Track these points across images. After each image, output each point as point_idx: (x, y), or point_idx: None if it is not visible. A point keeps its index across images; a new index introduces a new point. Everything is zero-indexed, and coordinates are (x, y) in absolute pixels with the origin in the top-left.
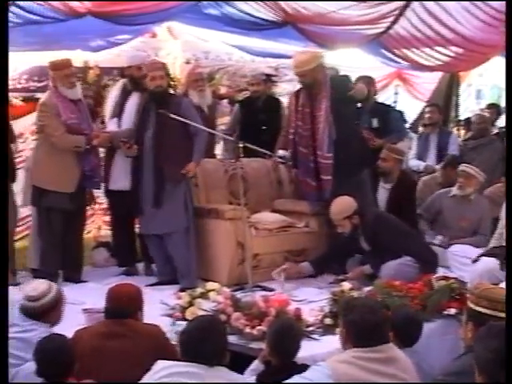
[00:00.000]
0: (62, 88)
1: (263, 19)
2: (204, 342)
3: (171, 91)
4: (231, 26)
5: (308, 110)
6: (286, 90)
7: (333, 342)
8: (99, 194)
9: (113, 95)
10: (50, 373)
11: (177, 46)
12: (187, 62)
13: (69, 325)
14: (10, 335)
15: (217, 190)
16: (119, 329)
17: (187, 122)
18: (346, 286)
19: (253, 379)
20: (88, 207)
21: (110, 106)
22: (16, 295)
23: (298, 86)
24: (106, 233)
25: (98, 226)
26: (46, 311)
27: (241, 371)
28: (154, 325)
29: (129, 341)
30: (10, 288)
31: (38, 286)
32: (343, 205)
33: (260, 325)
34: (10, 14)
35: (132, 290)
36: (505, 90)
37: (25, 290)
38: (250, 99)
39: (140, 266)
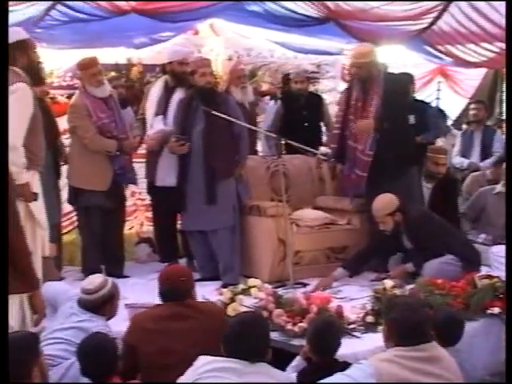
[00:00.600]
0: (90, 87)
1: (306, 16)
2: (246, 338)
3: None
4: (274, 22)
5: (360, 104)
6: (327, 87)
7: (374, 340)
8: (141, 190)
9: (155, 92)
10: (93, 372)
11: (219, 43)
12: (229, 59)
13: (111, 320)
14: (69, 324)
15: (259, 187)
16: (182, 310)
17: (236, 121)
18: (388, 283)
19: (294, 376)
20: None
21: (154, 102)
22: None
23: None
24: (148, 229)
25: (140, 222)
26: (102, 304)
27: (282, 368)
28: (214, 303)
29: (194, 321)
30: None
31: (94, 279)
32: (385, 202)
33: (301, 322)
34: (57, 13)
35: (184, 270)
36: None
37: (82, 284)
38: (293, 96)
39: (182, 262)
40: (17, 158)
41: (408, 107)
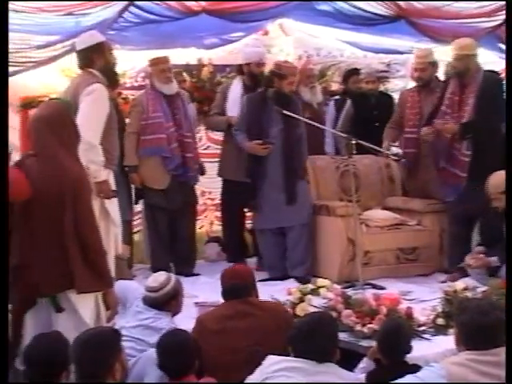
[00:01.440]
0: (158, 83)
1: (376, 14)
2: (314, 338)
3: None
4: (344, 21)
5: (457, 98)
6: (397, 86)
7: (445, 342)
8: (212, 189)
9: (235, 93)
10: (170, 368)
11: (288, 43)
12: (299, 59)
13: (181, 317)
14: (136, 323)
15: (328, 187)
16: (245, 307)
17: (310, 122)
18: (459, 285)
19: (362, 377)
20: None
21: (236, 102)
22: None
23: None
24: (217, 228)
25: (210, 221)
26: (166, 301)
27: (350, 369)
28: (276, 302)
29: (256, 319)
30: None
31: (158, 277)
32: (501, 179)
33: (371, 323)
34: (130, 15)
35: (246, 269)
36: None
37: (147, 281)
38: (363, 96)
39: (251, 261)
40: (95, 156)
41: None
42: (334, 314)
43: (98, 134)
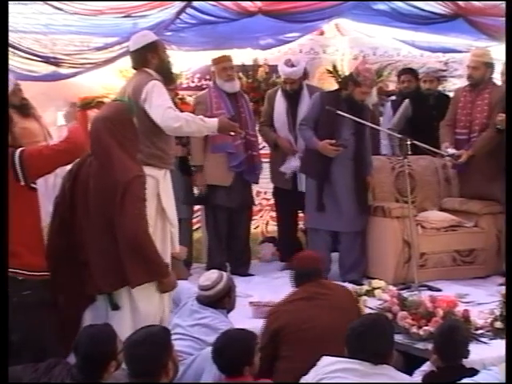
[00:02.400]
0: (220, 81)
1: (434, 13)
2: (370, 339)
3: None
4: (400, 20)
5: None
6: (455, 85)
7: (503, 346)
8: (266, 190)
9: (279, 103)
10: (226, 366)
11: (344, 43)
12: (355, 59)
13: (236, 317)
14: (193, 322)
15: (383, 188)
16: (320, 289)
17: (369, 124)
18: None
19: (419, 380)
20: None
21: (278, 114)
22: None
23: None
24: (273, 228)
25: (265, 221)
26: (220, 298)
27: (407, 371)
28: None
29: (333, 297)
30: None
31: (210, 275)
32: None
33: (427, 325)
34: (187, 16)
35: (317, 254)
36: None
37: (199, 280)
38: (421, 95)
39: None
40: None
41: None
42: (390, 316)
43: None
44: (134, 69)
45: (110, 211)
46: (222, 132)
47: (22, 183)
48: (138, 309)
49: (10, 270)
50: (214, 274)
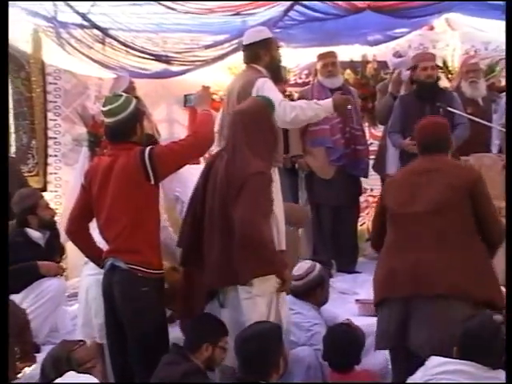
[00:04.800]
0: (321, 77)
1: None
2: (487, 341)
3: (445, 84)
4: None
5: None
6: None
7: None
8: (373, 186)
9: None
10: (336, 361)
11: (455, 38)
12: (466, 54)
13: (342, 314)
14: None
15: (494, 186)
16: (433, 164)
17: (472, 118)
18: None
19: None
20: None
21: None
22: None
23: None
24: None
25: (371, 218)
26: (311, 289)
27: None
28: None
29: (443, 174)
30: None
31: (303, 265)
32: None
33: None
34: (295, 13)
35: (443, 121)
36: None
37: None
38: None
39: None
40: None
41: None
42: (500, 318)
43: None
44: (246, 63)
45: (228, 207)
46: (338, 110)
47: (152, 182)
48: (256, 305)
49: (131, 266)
50: (306, 263)
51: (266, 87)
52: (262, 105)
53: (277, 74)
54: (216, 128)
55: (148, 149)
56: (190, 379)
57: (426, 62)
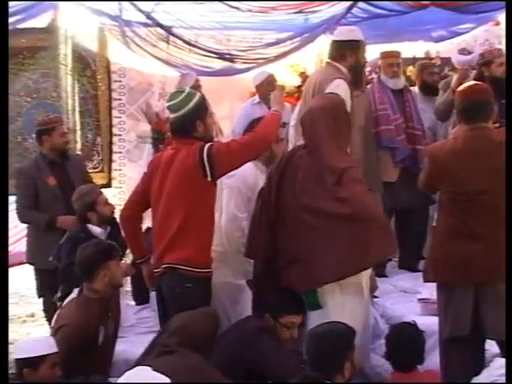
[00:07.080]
0: (384, 77)
1: None
2: None
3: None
4: None
5: None
6: None
7: None
8: None
9: None
10: (399, 360)
11: None
12: None
13: (404, 313)
14: None
15: None
16: (483, 145)
17: None
18: None
19: None
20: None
21: None
22: None
23: None
24: None
25: None
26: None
27: None
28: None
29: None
30: None
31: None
32: None
33: None
34: (358, 10)
35: (483, 86)
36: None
37: None
38: None
39: None
40: None
41: None
42: None
43: None
44: (330, 59)
45: (319, 203)
46: None
47: (209, 179)
48: (344, 306)
49: (174, 264)
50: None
51: (339, 89)
52: (340, 100)
53: (357, 78)
54: (292, 122)
55: (207, 145)
56: (264, 333)
57: (501, 58)
